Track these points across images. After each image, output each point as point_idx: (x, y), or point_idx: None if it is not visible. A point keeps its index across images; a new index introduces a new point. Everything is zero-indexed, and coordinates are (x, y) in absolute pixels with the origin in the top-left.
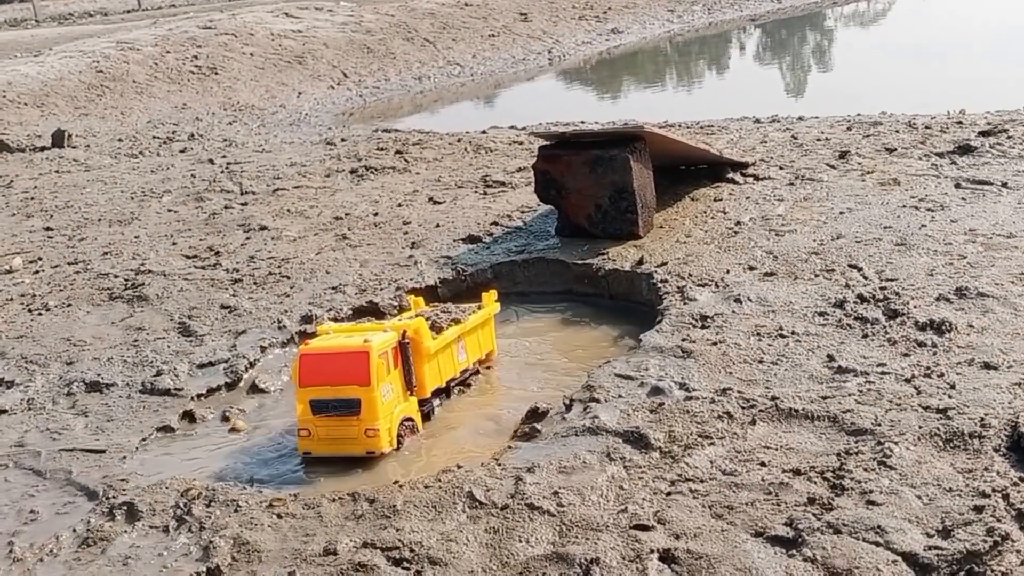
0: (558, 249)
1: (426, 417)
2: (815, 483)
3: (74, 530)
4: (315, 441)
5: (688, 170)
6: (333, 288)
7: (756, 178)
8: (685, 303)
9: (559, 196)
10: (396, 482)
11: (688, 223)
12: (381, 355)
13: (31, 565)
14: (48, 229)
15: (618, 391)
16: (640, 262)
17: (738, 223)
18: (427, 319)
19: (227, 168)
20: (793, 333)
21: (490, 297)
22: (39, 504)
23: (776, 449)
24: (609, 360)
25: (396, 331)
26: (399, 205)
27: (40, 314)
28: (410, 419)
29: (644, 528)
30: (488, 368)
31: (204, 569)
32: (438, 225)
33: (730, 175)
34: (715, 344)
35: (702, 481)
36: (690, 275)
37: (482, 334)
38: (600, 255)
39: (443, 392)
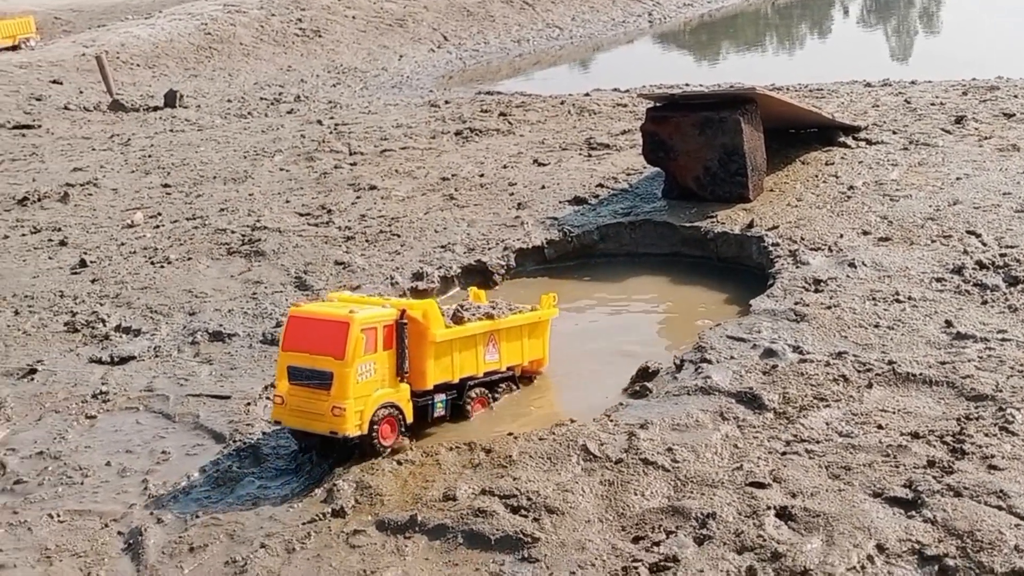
0: (665, 212)
1: (423, 412)
2: (934, 447)
3: (204, 470)
4: (286, 411)
5: (798, 134)
6: (442, 247)
7: (869, 142)
8: (798, 267)
9: (667, 158)
10: (511, 434)
11: (799, 187)
12: (365, 330)
13: (166, 502)
14: (166, 186)
15: (730, 352)
16: (750, 225)
17: (851, 187)
18: (455, 310)
19: (335, 129)
20: (910, 298)
21: (548, 300)
22: (169, 445)
23: (894, 413)
24: (720, 322)
25: (397, 309)
26: (504, 166)
27: (162, 267)
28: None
29: (760, 486)
30: (530, 379)
31: (329, 510)
32: (543, 187)
33: (842, 139)
34: (829, 308)
35: (818, 442)
36: (802, 239)
37: (529, 340)
38: (708, 218)
39: (454, 389)
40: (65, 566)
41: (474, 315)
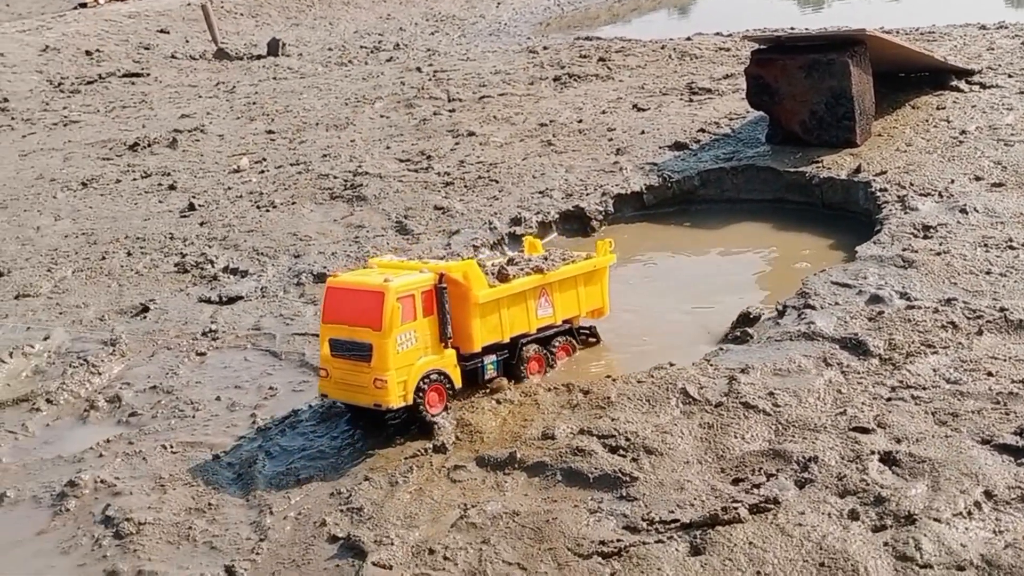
0: (769, 157)
1: (472, 374)
2: None
3: (309, 406)
4: (331, 383)
5: (908, 77)
6: (540, 192)
7: (982, 86)
8: (906, 212)
9: (771, 102)
10: (609, 376)
11: (908, 131)
12: (402, 298)
13: (273, 436)
14: (270, 132)
15: (835, 298)
16: (857, 171)
17: (963, 132)
18: (500, 267)
19: (434, 76)
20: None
21: (604, 247)
22: (276, 381)
23: (1004, 360)
24: (824, 268)
25: (435, 273)
26: (603, 112)
27: (268, 210)
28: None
29: (864, 431)
30: (595, 337)
31: (430, 446)
32: (643, 132)
33: (954, 83)
34: (938, 254)
35: (924, 388)
36: (911, 184)
37: (585, 288)
38: (814, 163)
39: (506, 349)
40: (178, 494)
41: (522, 270)
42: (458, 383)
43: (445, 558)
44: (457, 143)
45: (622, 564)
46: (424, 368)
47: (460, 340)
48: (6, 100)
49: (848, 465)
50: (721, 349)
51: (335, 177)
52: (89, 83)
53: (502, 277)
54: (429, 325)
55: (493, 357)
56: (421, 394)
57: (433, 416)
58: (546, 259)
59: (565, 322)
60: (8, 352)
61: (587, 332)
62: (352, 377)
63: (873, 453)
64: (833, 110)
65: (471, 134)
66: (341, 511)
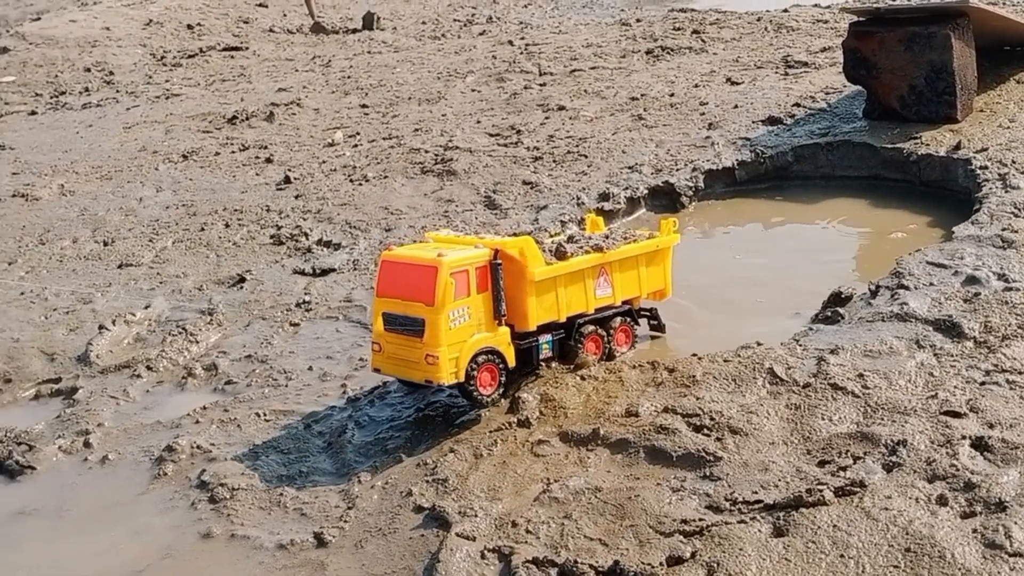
0: (865, 132)
1: (526, 353)
2: None
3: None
4: (383, 358)
5: (1013, 51)
6: (629, 167)
7: None
8: (1007, 191)
9: (869, 76)
10: (695, 354)
11: (1012, 107)
12: (455, 273)
13: (362, 406)
14: (364, 106)
15: (929, 279)
16: (957, 147)
17: None
18: (558, 245)
19: (526, 49)
20: None
21: (667, 226)
22: (366, 353)
23: None
24: (919, 248)
25: (490, 249)
26: (695, 86)
27: (360, 184)
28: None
29: (955, 415)
30: (649, 316)
31: (515, 420)
32: (736, 106)
33: None
34: None
35: (1020, 373)
36: (1013, 162)
37: (647, 269)
38: (912, 139)
39: (562, 328)
40: (271, 460)
41: (581, 247)
42: (511, 362)
43: (528, 531)
44: (547, 117)
45: (704, 543)
46: (477, 345)
47: (515, 318)
48: (111, 74)
49: (938, 449)
50: (811, 329)
51: (426, 151)
52: (190, 56)
53: (559, 255)
54: (483, 301)
55: (548, 336)
56: (473, 374)
57: (485, 397)
58: (607, 237)
59: (625, 303)
60: (111, 320)
61: (648, 314)
62: (404, 352)
63: (964, 438)
64: (933, 84)
65: (561, 108)
66: (427, 482)
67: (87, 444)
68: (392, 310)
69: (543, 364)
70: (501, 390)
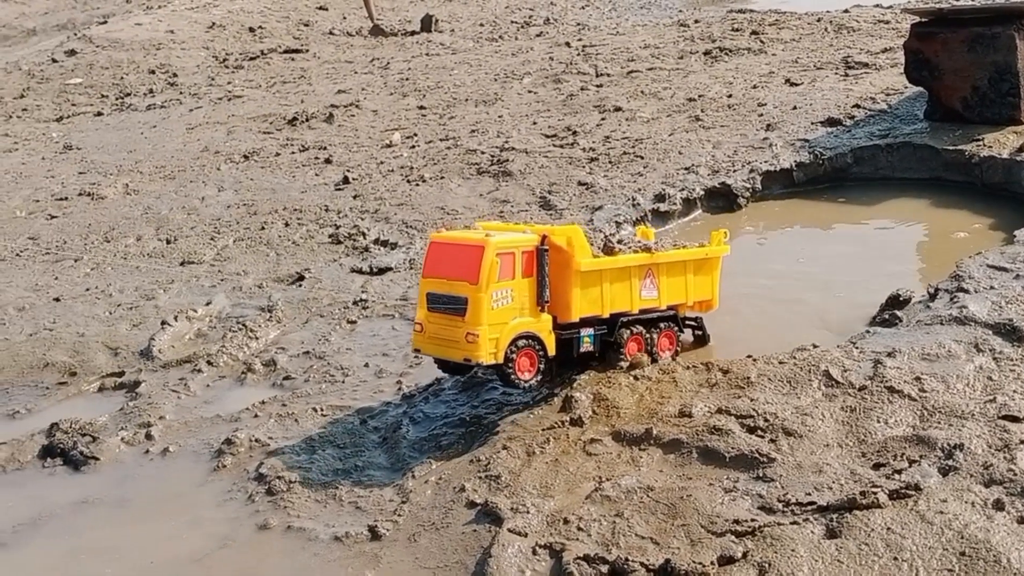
0: (926, 134)
1: (567, 345)
2: None
3: None
4: (424, 338)
5: None
6: (686, 169)
7: None
8: None
9: (931, 77)
10: (750, 356)
11: None
12: (501, 254)
13: (417, 402)
14: (421, 107)
15: (990, 282)
16: (1020, 149)
17: None
18: (606, 240)
19: (583, 51)
20: None
21: (718, 236)
22: None
23: None
24: (980, 251)
25: (537, 235)
26: (754, 87)
27: (417, 184)
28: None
29: (1014, 419)
30: (694, 326)
31: (568, 419)
32: (795, 107)
33: None
34: None
35: None
36: None
37: (695, 277)
38: (974, 141)
39: (604, 324)
40: (327, 455)
41: (629, 246)
42: (551, 350)
43: (579, 528)
44: (603, 118)
45: (755, 544)
46: (517, 329)
47: (558, 307)
48: (175, 75)
49: (995, 454)
50: (868, 331)
51: (482, 152)
52: (252, 59)
53: (607, 250)
54: (528, 286)
55: (590, 330)
56: (512, 357)
57: (522, 381)
58: (655, 244)
59: (670, 308)
60: (173, 316)
61: (693, 324)
62: (445, 331)
63: (1022, 443)
64: (997, 86)
65: (618, 109)
66: (480, 478)
67: (149, 436)
68: (436, 289)
69: (583, 359)
70: (539, 377)
